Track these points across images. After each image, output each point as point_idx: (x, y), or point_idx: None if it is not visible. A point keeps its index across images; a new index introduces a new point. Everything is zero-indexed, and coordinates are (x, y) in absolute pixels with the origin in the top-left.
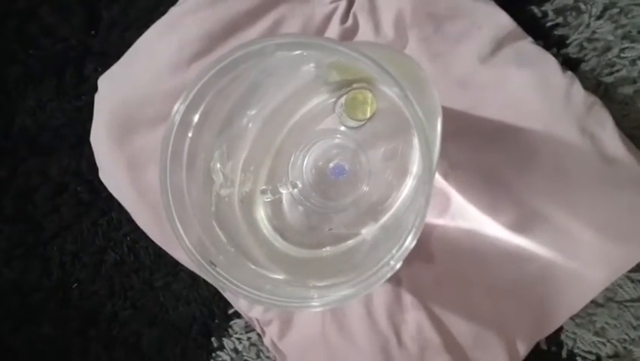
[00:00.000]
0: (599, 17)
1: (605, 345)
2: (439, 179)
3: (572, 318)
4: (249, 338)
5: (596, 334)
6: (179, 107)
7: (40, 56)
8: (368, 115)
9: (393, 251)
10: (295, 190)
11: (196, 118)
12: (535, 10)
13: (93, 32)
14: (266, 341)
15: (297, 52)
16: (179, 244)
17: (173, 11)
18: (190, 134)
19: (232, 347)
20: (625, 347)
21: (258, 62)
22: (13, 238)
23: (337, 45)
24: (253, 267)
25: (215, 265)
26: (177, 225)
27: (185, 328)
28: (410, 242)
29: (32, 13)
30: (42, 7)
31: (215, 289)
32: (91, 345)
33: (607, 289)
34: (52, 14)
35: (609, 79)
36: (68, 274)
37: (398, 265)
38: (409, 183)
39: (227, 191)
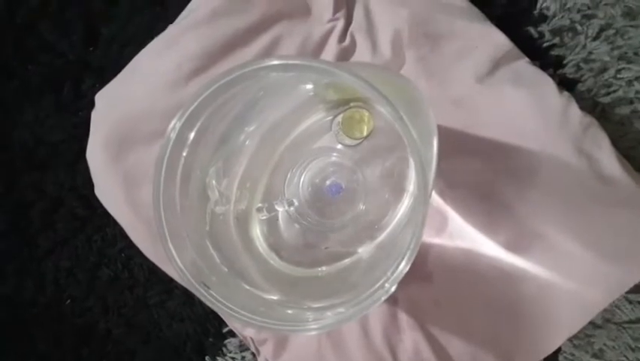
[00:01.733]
0: (595, 38)
1: None
2: (436, 198)
3: (569, 339)
4: (243, 357)
5: (595, 356)
6: (174, 125)
7: (39, 71)
8: (365, 133)
9: (388, 273)
10: (291, 208)
11: (192, 136)
12: (532, 30)
13: (92, 48)
14: (260, 360)
15: (292, 73)
16: (172, 265)
17: (171, 28)
18: (185, 153)
19: None
20: None
21: (254, 81)
22: (7, 253)
23: (331, 67)
24: (247, 287)
25: (208, 287)
26: (169, 246)
27: (179, 346)
28: (404, 266)
29: (31, 29)
30: (41, 23)
31: (209, 307)
32: None
33: (605, 310)
34: (51, 30)
35: (606, 99)
36: (62, 290)
37: (393, 288)
38: (405, 202)
39: (223, 208)
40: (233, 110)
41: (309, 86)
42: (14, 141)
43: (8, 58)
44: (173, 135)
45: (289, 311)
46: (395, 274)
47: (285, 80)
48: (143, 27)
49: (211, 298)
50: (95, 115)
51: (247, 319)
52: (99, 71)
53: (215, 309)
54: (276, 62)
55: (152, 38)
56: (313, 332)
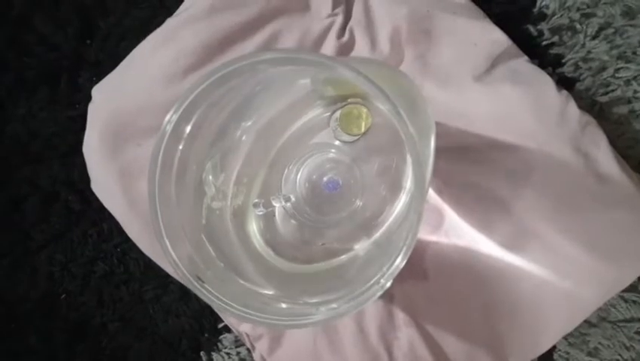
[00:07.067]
0: (594, 37)
1: None
2: (432, 195)
3: (565, 338)
4: (238, 353)
5: (589, 354)
6: (170, 118)
7: (34, 64)
8: (363, 130)
9: (384, 269)
10: (288, 204)
11: (188, 129)
12: (531, 28)
13: (89, 42)
14: (255, 356)
15: (290, 67)
16: (167, 259)
17: (169, 22)
18: (181, 146)
19: None
20: None
21: (251, 75)
22: (0, 247)
23: (329, 61)
24: (242, 282)
25: (203, 281)
26: (165, 239)
27: (174, 341)
28: (400, 261)
29: (27, 22)
30: (37, 16)
31: (205, 302)
32: (78, 358)
33: (600, 309)
34: (47, 23)
35: (604, 99)
36: (57, 285)
37: (388, 284)
38: (402, 199)
39: (219, 204)
40: (230, 105)
41: (307, 82)
42: (8, 134)
43: (3, 51)
44: (169, 128)
45: (284, 306)
46: (391, 270)
47: (283, 75)
48: (140, 20)
49: (205, 292)
50: (91, 108)
51: (241, 313)
52: (96, 64)
53: (210, 303)
54: (274, 55)
55: (149, 32)
56: (308, 327)
